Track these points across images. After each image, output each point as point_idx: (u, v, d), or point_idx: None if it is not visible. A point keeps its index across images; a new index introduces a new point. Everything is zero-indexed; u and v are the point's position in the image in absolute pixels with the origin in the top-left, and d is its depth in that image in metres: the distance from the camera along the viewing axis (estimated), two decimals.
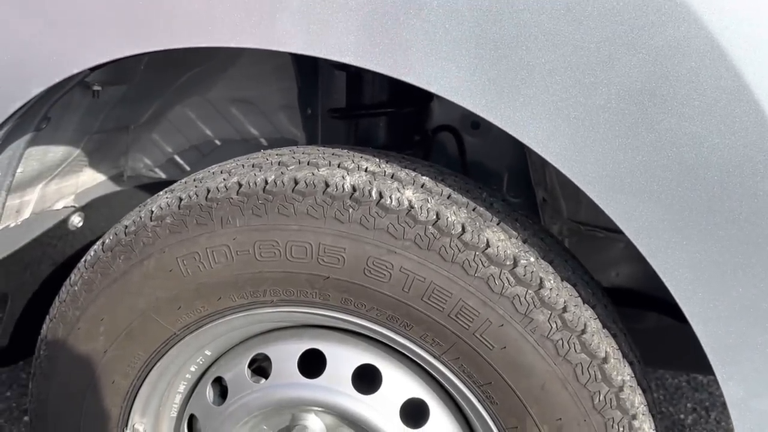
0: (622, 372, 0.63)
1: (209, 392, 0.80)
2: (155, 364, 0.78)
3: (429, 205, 0.63)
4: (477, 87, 0.57)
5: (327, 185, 0.63)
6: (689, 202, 0.54)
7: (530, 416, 0.64)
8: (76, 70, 0.68)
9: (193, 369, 0.81)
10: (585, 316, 0.62)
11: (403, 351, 0.71)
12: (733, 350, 0.58)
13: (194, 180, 0.74)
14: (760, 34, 0.51)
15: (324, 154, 0.73)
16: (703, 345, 0.58)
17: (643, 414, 0.65)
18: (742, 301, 0.57)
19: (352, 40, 0.58)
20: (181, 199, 0.69)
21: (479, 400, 0.66)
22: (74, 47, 0.70)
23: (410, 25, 0.57)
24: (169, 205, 0.70)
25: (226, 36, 0.64)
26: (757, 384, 0.59)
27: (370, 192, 0.64)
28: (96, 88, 0.81)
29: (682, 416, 1.55)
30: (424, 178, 0.67)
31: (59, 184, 1.00)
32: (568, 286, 0.64)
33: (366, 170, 0.68)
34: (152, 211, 0.71)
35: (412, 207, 0.61)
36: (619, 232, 0.57)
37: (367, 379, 0.72)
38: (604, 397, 0.62)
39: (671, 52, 0.51)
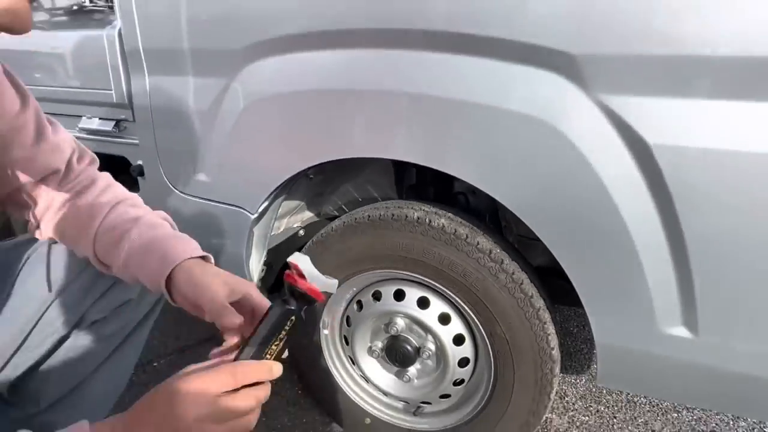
0: (538, 299, 0.77)
1: (354, 306, 0.97)
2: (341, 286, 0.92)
3: (451, 225, 0.79)
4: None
5: (407, 217, 0.81)
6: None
7: (497, 321, 0.79)
8: (304, 167, 0.84)
9: (348, 296, 0.98)
10: (522, 277, 0.77)
11: (439, 291, 0.84)
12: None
13: (362, 211, 0.88)
14: None
15: (406, 204, 0.86)
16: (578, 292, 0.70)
17: (548, 313, 0.78)
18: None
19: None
20: (355, 220, 0.87)
21: (473, 313, 0.81)
22: (300, 157, 0.84)
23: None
24: (344, 223, 0.89)
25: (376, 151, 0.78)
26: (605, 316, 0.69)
27: (422, 219, 0.80)
28: (310, 176, 0.94)
29: None
30: (447, 213, 0.81)
31: (294, 216, 1.10)
32: (515, 264, 0.77)
33: (421, 210, 0.82)
34: (344, 223, 0.89)
35: (443, 227, 0.78)
36: (538, 239, 0.70)
37: (422, 303, 0.88)
38: (530, 311, 0.77)
39: None
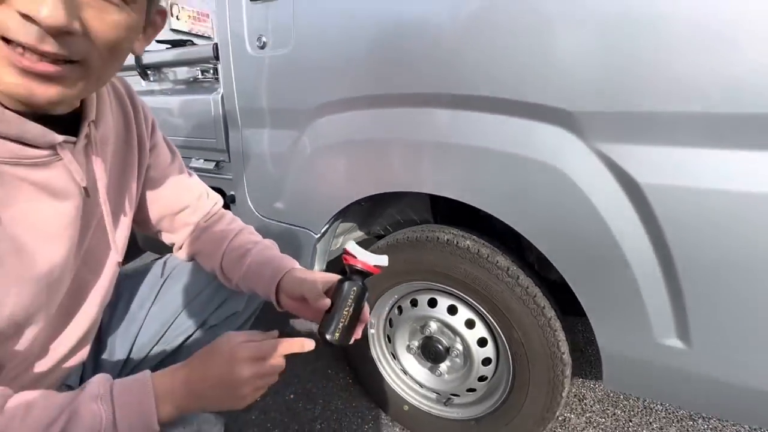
0: (550, 310, 0.80)
1: (396, 310, 1.01)
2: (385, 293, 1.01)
3: (475, 245, 0.83)
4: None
5: (438, 239, 0.86)
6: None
7: (513, 327, 0.83)
8: (358, 197, 0.90)
9: (390, 301, 1.03)
10: (536, 291, 0.80)
11: (466, 300, 0.88)
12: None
13: (402, 233, 0.94)
14: None
15: (438, 228, 0.91)
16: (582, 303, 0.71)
17: (558, 322, 0.80)
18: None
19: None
20: (396, 240, 0.95)
21: (494, 320, 0.85)
22: (354, 190, 0.91)
23: None
24: (387, 242, 0.96)
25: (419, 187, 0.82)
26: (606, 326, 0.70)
27: (451, 241, 0.85)
28: (362, 203, 0.95)
29: None
30: (472, 236, 0.86)
31: (349, 235, 1.16)
32: (529, 280, 0.80)
33: (450, 233, 0.86)
34: (387, 242, 0.96)
35: (468, 247, 0.83)
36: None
37: (451, 310, 0.92)
38: (542, 320, 0.79)
39: None
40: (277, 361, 0.47)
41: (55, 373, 0.55)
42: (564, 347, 0.81)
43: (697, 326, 0.64)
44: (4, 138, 0.38)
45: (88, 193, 0.48)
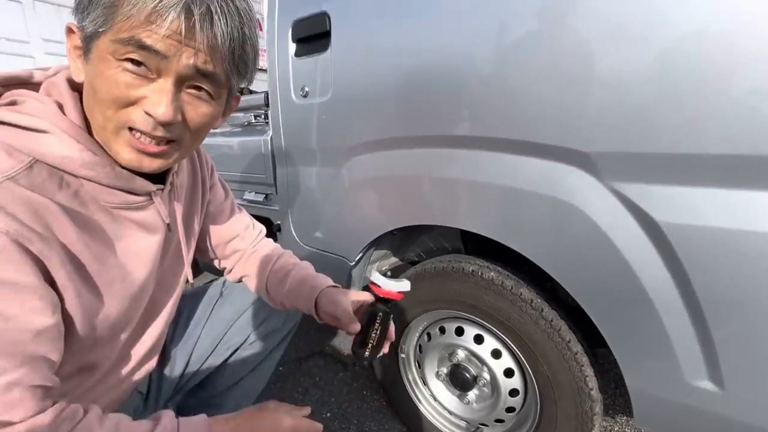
0: (576, 344, 0.79)
1: (425, 337, 1.03)
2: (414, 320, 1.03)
3: (499, 277, 0.84)
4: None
5: (463, 270, 0.89)
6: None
7: (539, 360, 0.83)
8: (390, 228, 0.95)
9: (420, 328, 1.05)
10: (560, 324, 0.79)
11: (491, 330, 0.88)
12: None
13: (430, 263, 0.97)
14: None
15: (464, 259, 0.93)
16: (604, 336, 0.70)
17: (585, 357, 0.79)
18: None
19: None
20: (424, 269, 0.98)
21: (519, 351, 0.85)
22: (387, 221, 0.96)
23: None
24: (416, 271, 1.00)
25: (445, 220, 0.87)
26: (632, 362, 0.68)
27: (475, 272, 0.87)
28: (395, 232, 0.98)
29: None
30: (497, 267, 0.86)
31: (383, 261, 1.20)
32: (554, 312, 0.80)
33: (475, 264, 0.88)
34: (416, 272, 1.01)
35: (492, 278, 0.84)
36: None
37: (477, 339, 0.93)
38: (567, 354, 0.79)
39: None
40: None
41: (131, 378, 0.66)
42: (592, 383, 0.80)
43: (729, 369, 0.62)
44: (119, 189, 0.50)
45: (170, 227, 0.60)
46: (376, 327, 0.59)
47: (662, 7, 0.56)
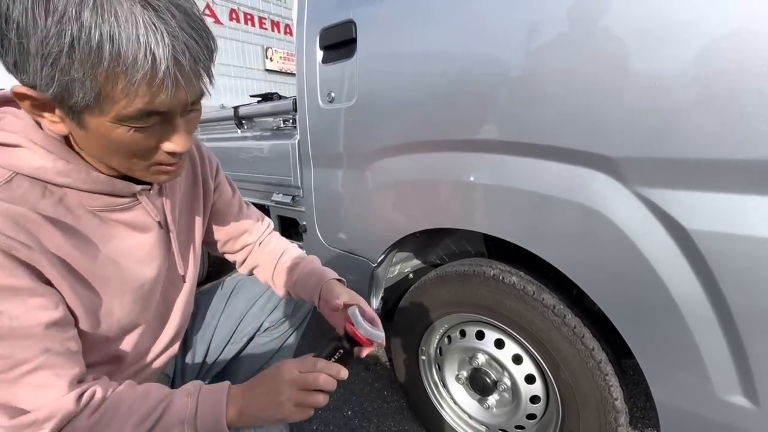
0: (600, 353, 0.77)
1: (445, 339, 1.05)
2: (436, 322, 1.04)
3: (521, 282, 0.83)
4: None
5: (485, 274, 0.88)
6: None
7: (561, 367, 0.82)
8: (413, 230, 0.96)
9: (441, 330, 1.05)
10: (584, 331, 0.78)
11: (512, 335, 0.88)
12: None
13: (451, 266, 0.97)
14: None
15: (486, 263, 0.94)
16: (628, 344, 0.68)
17: (610, 366, 0.78)
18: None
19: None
20: (445, 272, 1.00)
21: (541, 357, 0.84)
22: (410, 224, 0.96)
23: None
24: (437, 274, 1.03)
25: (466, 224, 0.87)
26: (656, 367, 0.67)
27: (497, 276, 0.87)
28: (417, 234, 0.98)
29: None
30: (519, 272, 0.86)
31: (405, 263, 1.22)
32: (577, 320, 0.79)
33: (497, 268, 0.88)
34: (437, 274, 1.02)
35: (514, 283, 0.84)
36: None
37: (498, 344, 0.93)
38: (591, 362, 0.77)
39: None
40: (316, 378, 0.51)
41: (158, 362, 0.71)
42: (617, 393, 0.78)
43: (765, 385, 0.59)
44: (100, 193, 0.51)
45: (162, 225, 0.61)
46: (333, 359, 0.55)
47: (695, 5, 0.54)
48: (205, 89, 0.45)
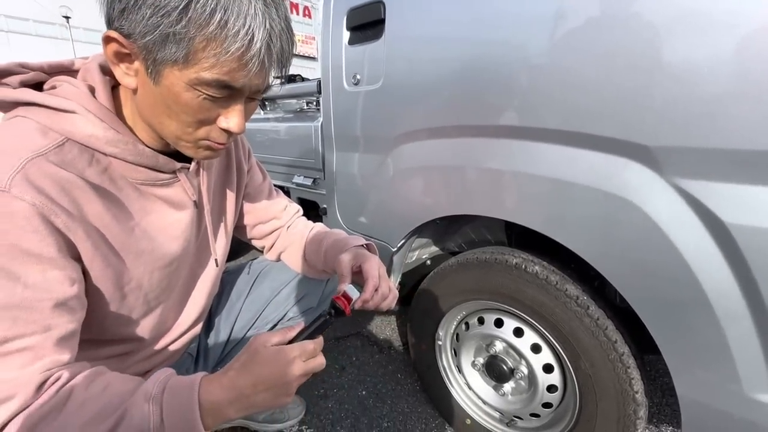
0: (623, 345, 0.76)
1: (463, 326, 1.05)
2: (454, 308, 1.03)
3: (544, 271, 0.83)
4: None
5: (507, 262, 0.87)
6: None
7: (581, 357, 0.81)
8: (434, 216, 0.96)
9: (458, 317, 1.05)
10: (607, 323, 0.77)
11: (532, 324, 0.88)
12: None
13: (473, 253, 0.96)
14: None
15: (508, 251, 0.92)
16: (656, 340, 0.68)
17: (632, 359, 0.76)
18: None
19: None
20: (466, 259, 0.99)
21: (561, 347, 0.84)
22: (431, 210, 0.97)
23: None
24: (458, 261, 1.01)
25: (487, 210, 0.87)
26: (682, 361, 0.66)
27: (519, 265, 0.86)
28: (437, 221, 1.01)
29: None
30: (542, 261, 0.85)
31: (424, 249, 1.22)
32: (601, 311, 0.78)
33: (519, 257, 0.87)
34: (458, 261, 1.00)
35: (536, 273, 0.83)
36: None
37: (517, 332, 0.93)
38: (612, 354, 0.76)
39: None
40: (321, 357, 0.50)
41: (180, 341, 0.72)
42: (638, 386, 0.78)
43: None
44: (143, 166, 0.53)
45: (197, 205, 0.62)
46: (314, 324, 0.56)
47: None
48: (271, 83, 0.48)
